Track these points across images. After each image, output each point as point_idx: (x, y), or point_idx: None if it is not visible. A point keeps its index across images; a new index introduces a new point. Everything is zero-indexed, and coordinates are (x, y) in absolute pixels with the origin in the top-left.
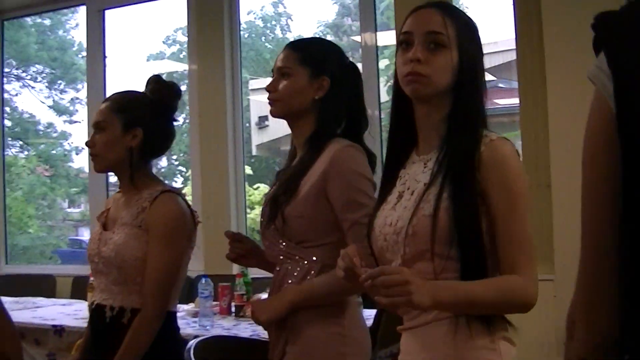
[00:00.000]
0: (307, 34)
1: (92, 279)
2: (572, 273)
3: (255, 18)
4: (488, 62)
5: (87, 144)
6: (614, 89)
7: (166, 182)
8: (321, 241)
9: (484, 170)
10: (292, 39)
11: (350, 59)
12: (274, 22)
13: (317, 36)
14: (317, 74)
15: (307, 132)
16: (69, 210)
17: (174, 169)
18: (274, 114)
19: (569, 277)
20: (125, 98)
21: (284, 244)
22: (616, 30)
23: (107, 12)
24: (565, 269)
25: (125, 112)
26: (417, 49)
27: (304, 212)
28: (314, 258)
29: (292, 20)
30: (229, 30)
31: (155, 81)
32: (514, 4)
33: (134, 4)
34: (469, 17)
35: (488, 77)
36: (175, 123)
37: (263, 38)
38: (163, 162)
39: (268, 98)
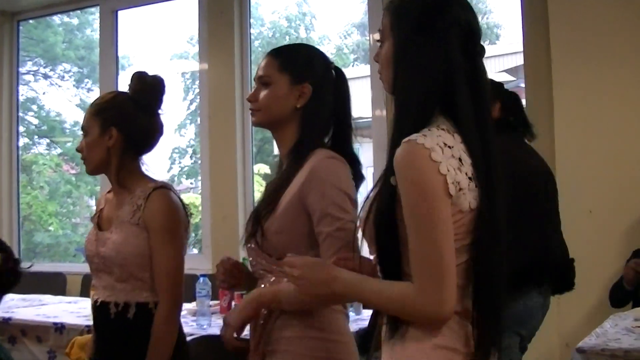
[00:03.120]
0: (332, 33)
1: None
2: (576, 277)
3: (279, 18)
4: (508, 63)
5: (76, 149)
6: None
7: (191, 181)
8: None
9: (395, 175)
10: (316, 39)
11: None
12: (298, 22)
13: (300, 42)
14: (297, 81)
15: (291, 142)
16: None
17: (198, 167)
18: (255, 123)
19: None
20: (102, 100)
21: (264, 260)
22: None
23: (123, 12)
24: None
25: (100, 114)
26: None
27: (283, 227)
28: None
29: (316, 19)
30: (239, 30)
31: (137, 78)
32: (522, 8)
33: (147, 4)
34: (417, 2)
35: (506, 77)
36: (161, 117)
37: (287, 37)
38: (187, 160)
39: (250, 108)
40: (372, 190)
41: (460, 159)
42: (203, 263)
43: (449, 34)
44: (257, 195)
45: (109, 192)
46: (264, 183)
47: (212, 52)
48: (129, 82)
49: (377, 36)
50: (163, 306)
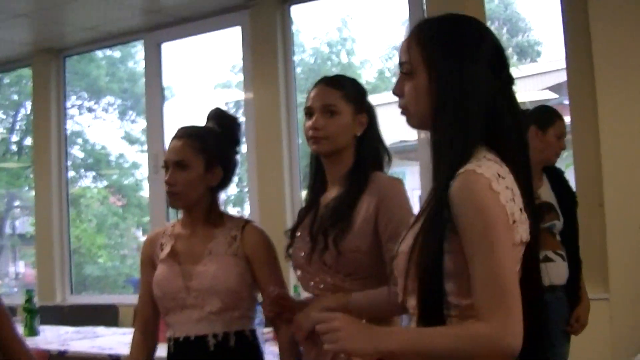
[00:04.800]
0: (373, 57)
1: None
2: (627, 292)
3: (320, 43)
4: (550, 80)
5: (167, 181)
6: None
7: (236, 208)
8: (369, 273)
9: (453, 206)
10: (357, 63)
11: None
12: (339, 47)
13: (342, 74)
14: (358, 111)
15: (346, 166)
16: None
17: (244, 195)
18: (321, 151)
19: (624, 297)
20: (204, 136)
21: (330, 275)
22: None
23: (166, 45)
24: (620, 288)
25: (206, 151)
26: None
27: (361, 246)
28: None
29: (357, 43)
30: (283, 58)
31: (220, 115)
32: (563, 24)
33: (190, 35)
34: (447, 30)
35: (549, 95)
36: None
37: (329, 63)
38: (232, 188)
39: (312, 136)
40: (414, 222)
41: (512, 190)
42: None
43: (487, 62)
44: None
45: (172, 226)
46: None
47: (257, 80)
48: (210, 118)
49: (402, 67)
50: None
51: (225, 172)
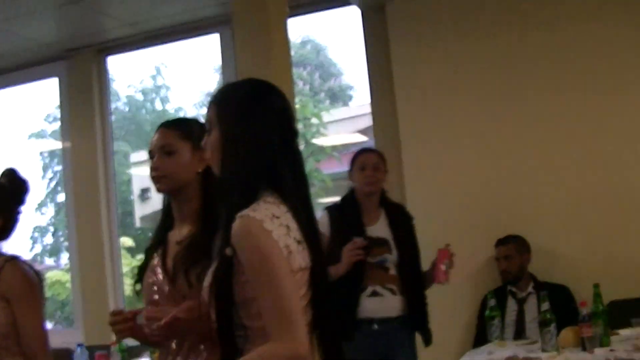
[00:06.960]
0: (187, 104)
1: None
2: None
3: (135, 92)
4: (360, 124)
5: None
6: None
7: (52, 258)
8: None
9: (234, 246)
10: (172, 110)
11: None
12: (153, 95)
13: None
14: (198, 147)
15: (193, 204)
16: None
17: (59, 244)
18: (162, 189)
19: None
20: None
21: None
22: None
23: None
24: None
25: None
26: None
27: None
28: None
29: (170, 91)
30: (99, 107)
31: (13, 174)
32: (368, 70)
33: (7, 87)
34: (236, 93)
35: (360, 138)
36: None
37: (143, 111)
38: (48, 238)
39: (154, 176)
40: (214, 260)
41: (287, 226)
42: (75, 337)
43: (266, 119)
44: (125, 267)
45: None
46: (129, 255)
47: (74, 130)
48: (3, 175)
49: (205, 125)
50: None
51: (5, 225)
